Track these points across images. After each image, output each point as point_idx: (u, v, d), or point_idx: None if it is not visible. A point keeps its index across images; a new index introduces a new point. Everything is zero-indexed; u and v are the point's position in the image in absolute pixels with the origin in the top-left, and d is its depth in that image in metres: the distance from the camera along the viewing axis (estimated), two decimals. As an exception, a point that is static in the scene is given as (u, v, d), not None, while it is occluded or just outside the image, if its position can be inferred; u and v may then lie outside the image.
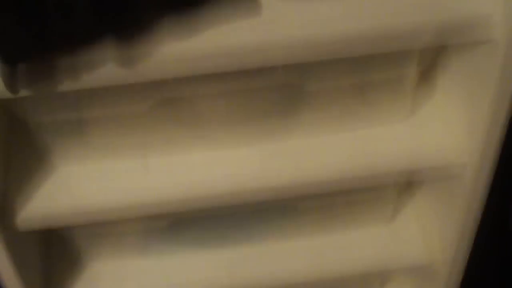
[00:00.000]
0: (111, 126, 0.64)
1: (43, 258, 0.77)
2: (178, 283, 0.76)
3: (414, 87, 0.68)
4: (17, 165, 0.66)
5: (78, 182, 0.65)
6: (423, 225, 0.80)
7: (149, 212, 0.66)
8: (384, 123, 0.69)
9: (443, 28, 0.55)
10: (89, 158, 0.67)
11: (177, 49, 0.53)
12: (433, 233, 0.77)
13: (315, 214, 0.78)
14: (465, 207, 0.68)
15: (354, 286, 0.93)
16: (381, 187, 0.75)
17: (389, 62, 0.64)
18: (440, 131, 0.68)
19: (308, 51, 0.55)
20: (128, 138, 0.66)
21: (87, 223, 0.67)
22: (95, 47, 0.51)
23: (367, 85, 0.66)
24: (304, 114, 0.67)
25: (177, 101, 0.63)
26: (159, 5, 0.52)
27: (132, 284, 0.77)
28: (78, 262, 0.78)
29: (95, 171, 0.66)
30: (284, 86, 0.63)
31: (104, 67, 0.52)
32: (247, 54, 0.54)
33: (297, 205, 0.75)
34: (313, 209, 0.77)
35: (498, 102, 0.58)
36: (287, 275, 0.77)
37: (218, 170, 0.66)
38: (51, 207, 0.64)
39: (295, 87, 0.63)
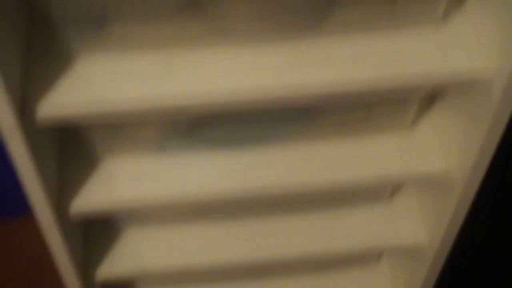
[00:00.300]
0: (136, 22, 0.63)
1: (60, 157, 0.77)
2: (193, 184, 0.77)
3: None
4: (38, 59, 0.64)
5: (99, 77, 0.64)
6: (442, 137, 0.79)
7: (169, 112, 0.65)
8: (414, 32, 0.68)
9: None
10: (111, 54, 0.65)
11: None
12: (451, 146, 0.77)
13: (334, 120, 0.78)
14: (489, 122, 0.67)
15: (364, 194, 0.94)
16: (404, 96, 0.74)
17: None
18: (470, 43, 0.67)
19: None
20: (152, 36, 0.64)
21: (105, 120, 0.66)
22: None
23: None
24: (332, 21, 0.65)
25: (205, 2, 0.61)
26: None
27: (147, 183, 0.77)
28: (94, 160, 0.78)
29: (117, 67, 0.64)
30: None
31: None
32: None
33: (317, 110, 0.74)
34: (332, 115, 0.77)
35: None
36: (302, 179, 0.78)
37: (242, 74, 0.65)
38: (71, 101, 0.63)
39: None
